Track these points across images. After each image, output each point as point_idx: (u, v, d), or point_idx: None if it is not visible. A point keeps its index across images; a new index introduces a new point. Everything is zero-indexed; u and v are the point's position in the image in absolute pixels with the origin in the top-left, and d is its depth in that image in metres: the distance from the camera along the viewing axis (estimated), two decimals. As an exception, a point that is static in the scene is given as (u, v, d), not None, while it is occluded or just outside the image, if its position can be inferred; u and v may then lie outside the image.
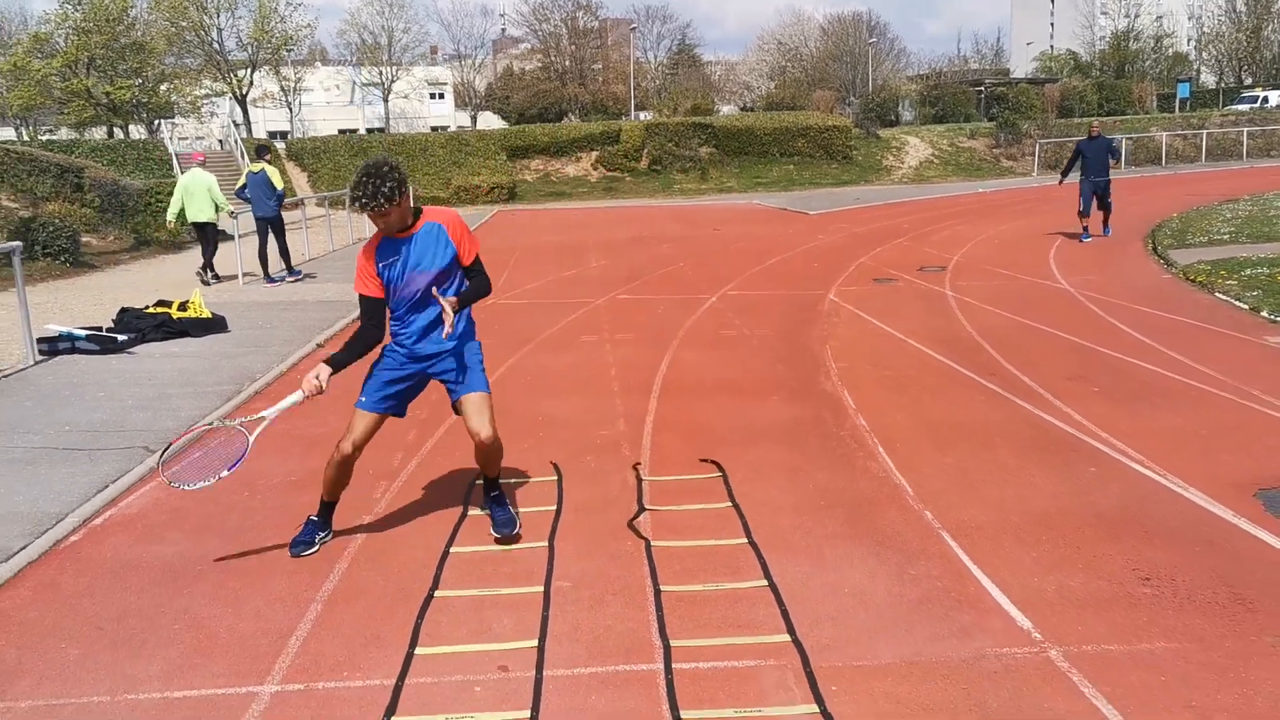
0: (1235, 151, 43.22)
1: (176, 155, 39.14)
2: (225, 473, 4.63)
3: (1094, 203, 17.03)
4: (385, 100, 68.88)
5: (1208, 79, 78.37)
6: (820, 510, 5.21)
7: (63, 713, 3.49)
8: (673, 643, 3.84)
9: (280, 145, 44.42)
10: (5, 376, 8.73)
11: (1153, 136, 43.16)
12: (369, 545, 4.93)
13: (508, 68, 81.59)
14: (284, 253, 15.57)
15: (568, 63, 74.59)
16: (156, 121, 51.92)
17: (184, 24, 53.98)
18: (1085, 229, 17.14)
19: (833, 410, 7.17)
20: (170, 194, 22.68)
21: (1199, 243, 15.21)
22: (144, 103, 48.52)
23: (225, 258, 16.16)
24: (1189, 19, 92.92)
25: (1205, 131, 43.98)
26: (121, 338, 9.82)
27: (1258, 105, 53.21)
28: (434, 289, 4.56)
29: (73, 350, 9.61)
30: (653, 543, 4.82)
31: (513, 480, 5.83)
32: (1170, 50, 79.29)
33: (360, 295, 4.65)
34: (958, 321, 10.38)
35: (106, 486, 5.80)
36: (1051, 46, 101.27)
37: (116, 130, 48.85)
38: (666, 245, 19.65)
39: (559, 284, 14.71)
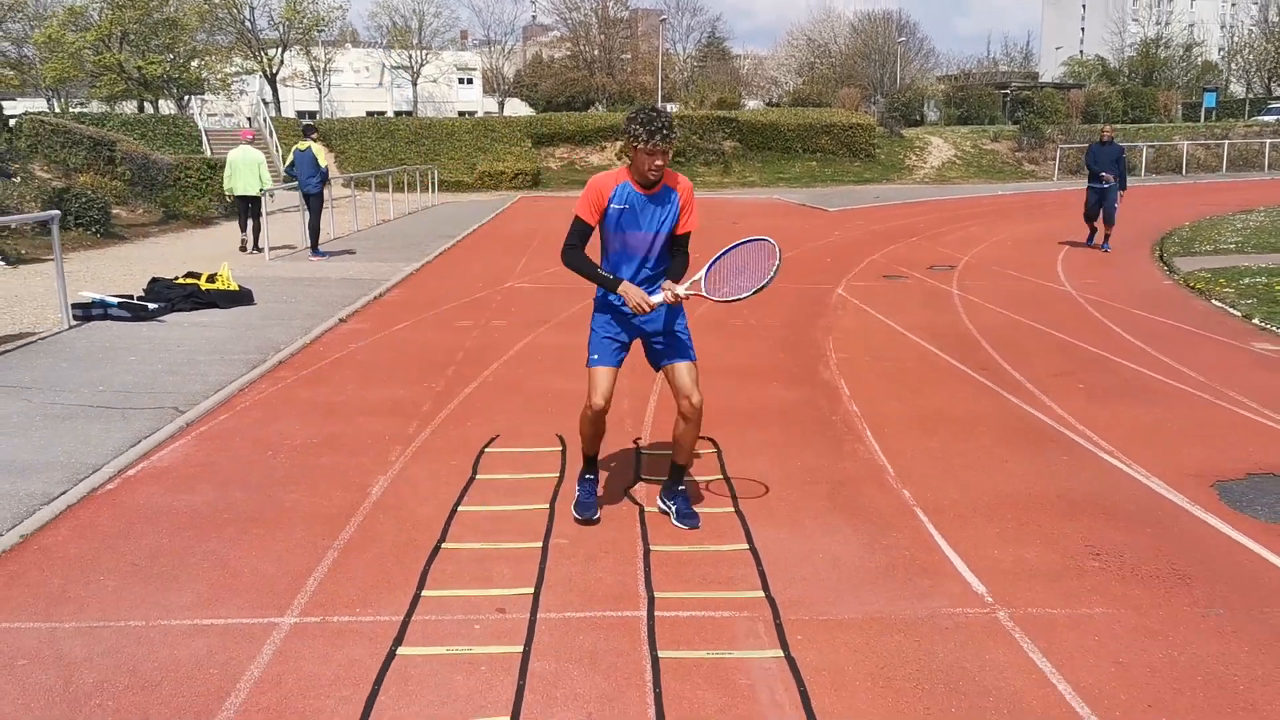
0: (1258, 163, 43.17)
1: (206, 132, 39.70)
2: (762, 283, 4.69)
3: (1099, 211, 16.64)
4: (414, 84, 69.31)
5: (1237, 89, 78.02)
6: (805, 486, 5.57)
7: (103, 634, 3.89)
8: (657, 594, 4.21)
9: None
10: (43, 339, 9.16)
11: (1175, 145, 43.14)
12: (383, 501, 5.31)
13: (536, 55, 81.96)
14: (314, 231, 16.13)
15: (596, 52, 74.92)
16: (186, 97, 52.51)
17: (216, 1, 54.53)
18: (1092, 231, 17.03)
19: (828, 397, 7.52)
20: (198, 170, 23.33)
21: (1205, 251, 15.47)
22: (175, 78, 49.07)
23: (277, 229, 16.58)
24: (1220, 28, 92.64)
25: (1228, 142, 43.90)
26: (152, 306, 10.26)
27: (1284, 117, 53.08)
28: (674, 292, 4.63)
29: (105, 317, 10.05)
30: (646, 508, 5.19)
31: (521, 449, 6.22)
32: (1200, 59, 78.98)
33: (579, 218, 4.70)
34: (960, 319, 10.70)
35: (139, 441, 6.20)
36: (1081, 51, 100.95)
37: (147, 105, 49.42)
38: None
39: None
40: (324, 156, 16.35)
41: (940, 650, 3.75)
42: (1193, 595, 4.18)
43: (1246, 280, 12.30)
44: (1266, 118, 53.77)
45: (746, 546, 4.73)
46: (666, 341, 4.88)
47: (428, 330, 10.12)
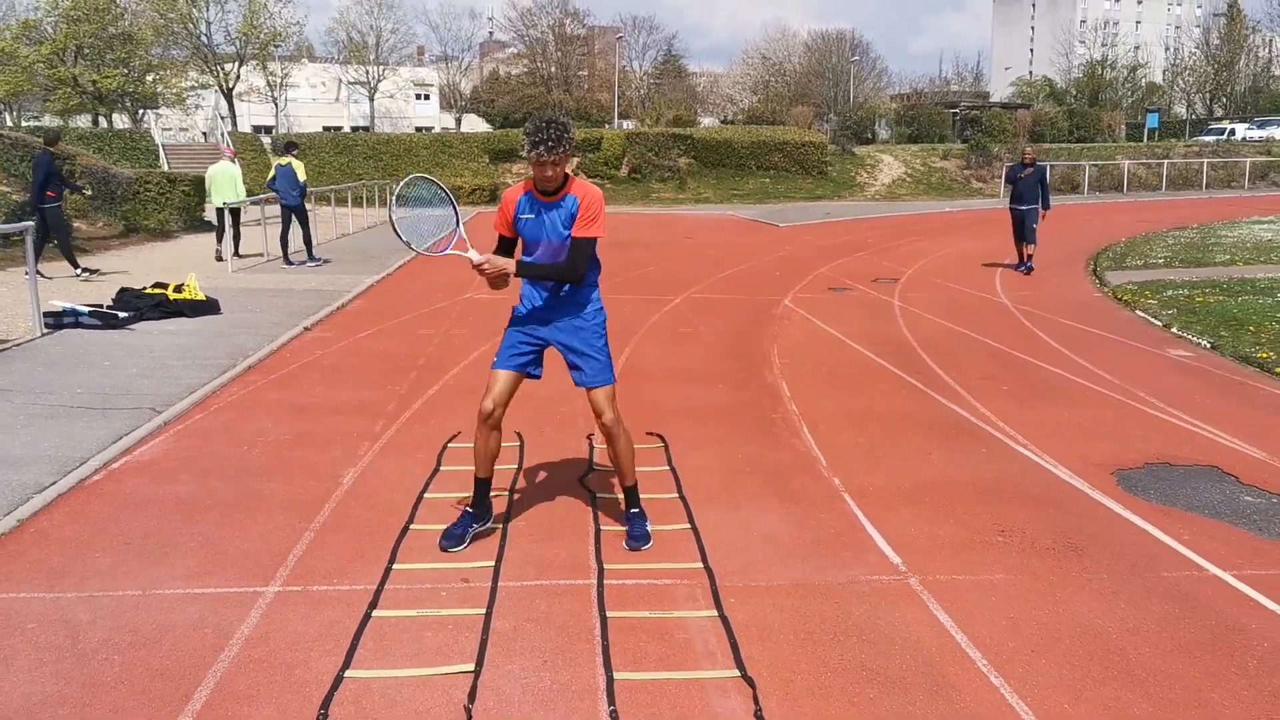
0: (1196, 181, 44.50)
1: (163, 146, 39.73)
2: (428, 246, 4.88)
3: (1023, 230, 16.22)
4: (371, 99, 69.53)
5: (1180, 110, 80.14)
6: (744, 474, 6.07)
7: (103, 602, 4.29)
8: (606, 565, 4.68)
9: (265, 140, 45.03)
10: (17, 345, 9.47)
11: (1117, 164, 44.39)
12: (354, 489, 5.73)
13: (493, 71, 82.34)
14: (307, 240, 17.08)
15: (553, 69, 75.51)
16: (141, 111, 52.39)
17: (172, 16, 54.49)
18: (1020, 258, 16.53)
19: (770, 398, 8.03)
20: (158, 184, 23.53)
21: (1135, 265, 16.22)
22: (129, 93, 48.97)
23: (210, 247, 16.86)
24: (1164, 50, 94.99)
25: (1168, 161, 45.24)
26: (122, 315, 10.58)
27: (1224, 138, 54.68)
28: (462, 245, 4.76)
29: (76, 325, 10.35)
30: (598, 495, 5.66)
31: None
32: (1144, 80, 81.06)
33: (499, 234, 4.82)
34: (898, 328, 11.28)
35: (121, 438, 6.57)
36: (1031, 72, 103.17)
37: (101, 120, 49.26)
38: (639, 250, 20.50)
39: (533, 282, 15.49)
40: (302, 171, 17.13)
41: (856, 610, 4.25)
42: (1082, 563, 4.72)
43: (1170, 292, 13.01)
44: (1206, 138, 55.41)
45: (689, 526, 5.21)
46: (580, 362, 4.89)
47: (390, 338, 10.53)
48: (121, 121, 50.61)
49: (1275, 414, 7.47)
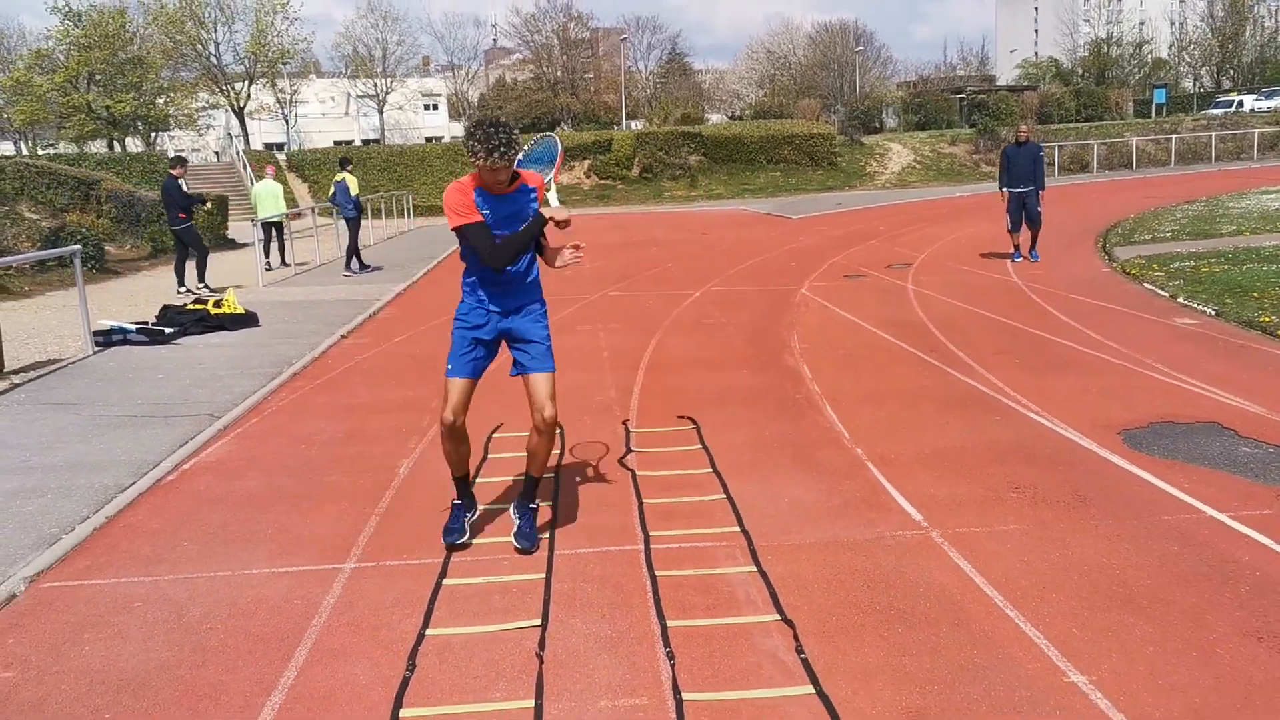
0: (1205, 155, 44.63)
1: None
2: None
3: (1022, 217, 15.40)
4: (380, 112, 70.12)
5: (1187, 84, 79.97)
6: (772, 450, 6.47)
7: (197, 582, 4.73)
8: (651, 533, 5.09)
9: (281, 157, 45.66)
10: (72, 363, 9.95)
11: (1126, 141, 44.54)
12: (410, 479, 6.17)
13: (500, 78, 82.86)
14: (352, 250, 17.99)
15: (560, 73, 75.93)
16: (154, 134, 53.11)
17: (181, 38, 55.18)
18: (1016, 248, 15.74)
19: (792, 380, 8.43)
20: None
21: (1143, 240, 16.53)
22: (142, 116, 49.66)
23: (246, 262, 17.36)
24: (1170, 25, 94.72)
25: (1176, 136, 45.36)
26: (168, 330, 11.06)
27: (1232, 110, 54.69)
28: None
29: (124, 342, 10.84)
30: (637, 472, 6.08)
31: (522, 433, 7.05)
32: (1150, 56, 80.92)
33: (467, 225, 4.67)
34: (912, 310, 11.65)
35: (186, 443, 7.03)
36: (1036, 53, 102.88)
37: (115, 144, 49.97)
38: (655, 248, 20.93)
39: (554, 283, 15.93)
40: (355, 186, 18.44)
41: (883, 560, 4.65)
42: (1089, 512, 5.11)
43: (1176, 264, 13.34)
44: (1214, 111, 55.42)
45: (723, 496, 5.62)
46: (527, 349, 4.91)
47: (424, 342, 10.97)
48: (135, 145, 51.31)
49: (1276, 374, 7.82)
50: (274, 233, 19.49)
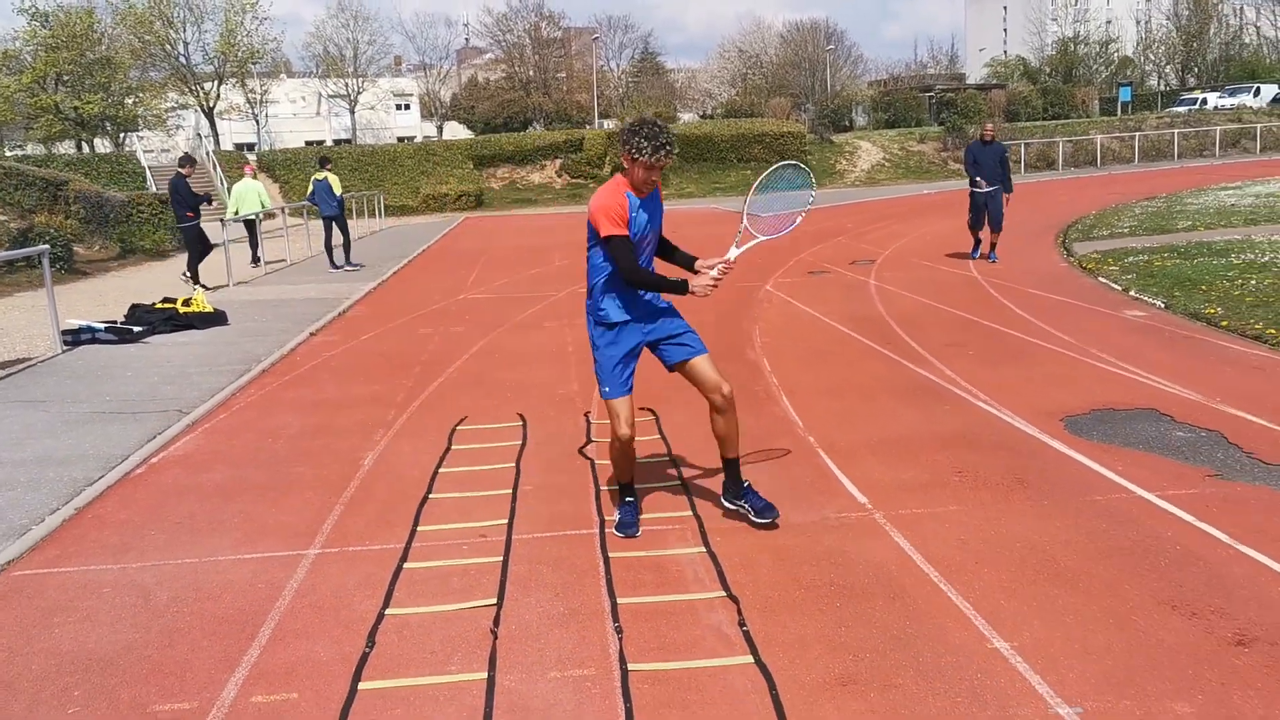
0: (1169, 152, 45.26)
1: (150, 169, 40.20)
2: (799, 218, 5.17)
3: (984, 217, 15.02)
4: (352, 112, 69.93)
5: (1154, 83, 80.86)
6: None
7: (165, 569, 4.87)
8: (606, 517, 5.28)
9: (251, 157, 45.51)
10: (41, 362, 10.04)
11: (1091, 139, 45.10)
12: (375, 470, 6.32)
13: (472, 78, 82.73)
14: (346, 246, 18.69)
15: (531, 72, 75.93)
16: (123, 135, 52.81)
17: (149, 38, 54.85)
18: (977, 242, 15.48)
19: (751, 372, 8.63)
20: (150, 205, 24.12)
21: (1102, 235, 16.87)
22: (110, 116, 49.38)
23: (216, 263, 17.42)
24: (1136, 23, 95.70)
25: (1139, 134, 45.98)
26: (137, 329, 11.14)
27: (1196, 107, 55.48)
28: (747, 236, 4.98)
29: (93, 340, 10.93)
30: (595, 461, 6.26)
31: (487, 425, 7.25)
32: (1116, 55, 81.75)
33: (617, 237, 4.67)
34: (873, 305, 11.89)
35: (154, 437, 7.16)
36: (1005, 52, 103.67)
37: (84, 144, 49.67)
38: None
39: (525, 280, 16.12)
40: (338, 185, 19.05)
41: (826, 540, 4.85)
42: (1026, 493, 5.33)
43: (1130, 259, 13.64)
44: (1179, 109, 56.21)
45: (678, 482, 5.81)
46: (676, 340, 4.97)
47: (392, 339, 11.11)
48: (103, 146, 50.99)
49: (1215, 362, 8.09)
50: (251, 228, 20.14)
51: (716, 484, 5.71)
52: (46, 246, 11.16)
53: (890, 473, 5.80)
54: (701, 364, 4.92)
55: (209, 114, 58.06)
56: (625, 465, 5.10)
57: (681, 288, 4.74)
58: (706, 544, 4.88)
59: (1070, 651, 3.67)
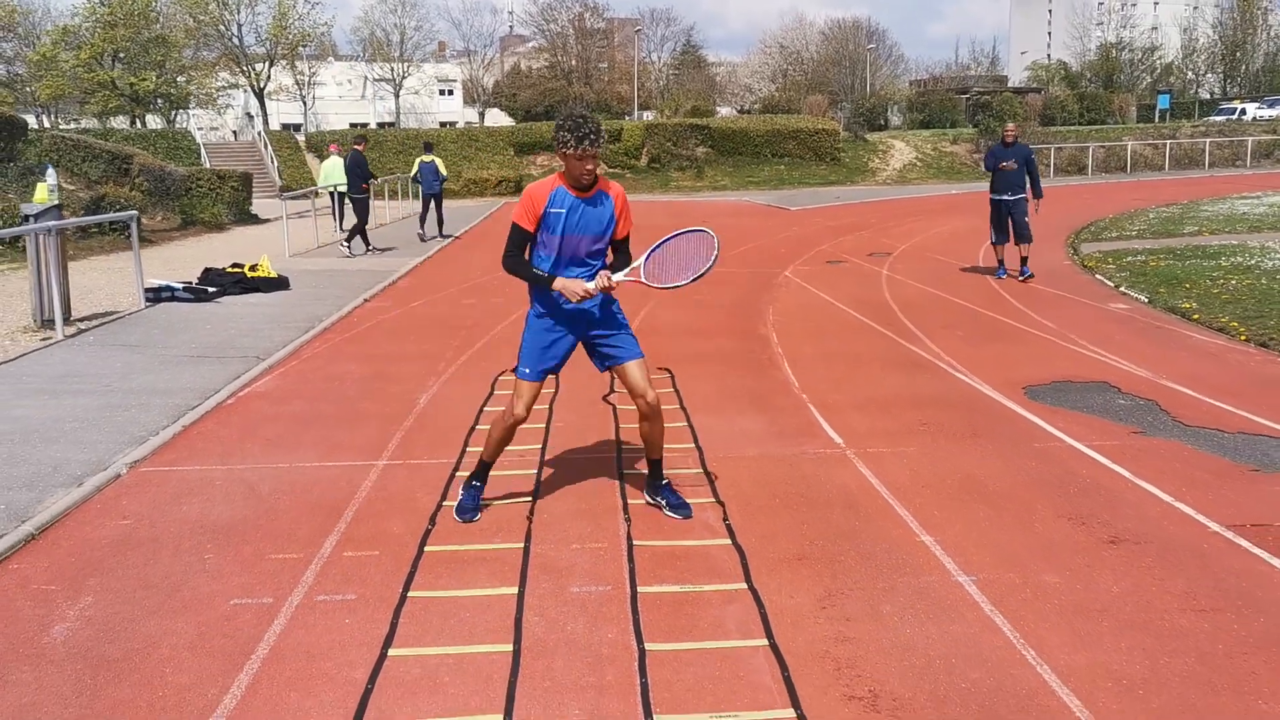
0: (1200, 161, 45.68)
1: (204, 146, 41.66)
2: (701, 270, 5.04)
3: (1008, 229, 13.66)
4: (396, 96, 71.33)
5: (1202, 91, 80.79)
6: (734, 395, 7.72)
7: (263, 470, 5.99)
8: (623, 445, 6.35)
9: (299, 138, 46.92)
10: (129, 315, 11.23)
11: (1123, 145, 45.62)
12: (428, 408, 7.43)
13: (515, 65, 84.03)
14: (440, 221, 21.74)
15: (574, 62, 77.13)
16: (174, 112, 54.38)
17: (204, 18, 56.38)
18: (1000, 263, 14.05)
19: (760, 344, 9.67)
20: (209, 180, 25.42)
21: (1110, 237, 17.73)
22: (164, 94, 50.90)
23: (270, 236, 18.62)
24: (1181, 31, 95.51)
25: (1173, 141, 46.43)
26: (211, 290, 12.33)
27: (1234, 117, 55.71)
28: (608, 273, 4.85)
29: (172, 299, 12.12)
30: (618, 406, 7.33)
31: (524, 377, 8.32)
32: (1159, 62, 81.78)
33: (517, 225, 4.82)
34: (881, 292, 12.88)
35: (239, 376, 8.30)
36: (1048, 55, 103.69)
37: (137, 120, 51.22)
38: (656, 233, 22.00)
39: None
40: (443, 166, 21.73)
41: (803, 467, 5.90)
42: (977, 441, 6.35)
43: (1129, 259, 14.54)
44: (1216, 118, 56.46)
45: (686, 424, 6.87)
46: (611, 341, 5.06)
47: (440, 306, 12.23)
48: (155, 122, 52.55)
49: (1175, 349, 9.04)
50: (341, 201, 22.03)
51: (721, 428, 6.79)
52: (135, 212, 12.38)
53: (866, 423, 6.83)
54: (631, 369, 5.01)
55: (259, 94, 59.57)
56: (499, 445, 5.16)
57: (545, 282, 4.81)
58: (704, 466, 5.94)
59: (979, 545, 4.71)
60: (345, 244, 18.27)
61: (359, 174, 19.00)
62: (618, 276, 4.87)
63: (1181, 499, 5.22)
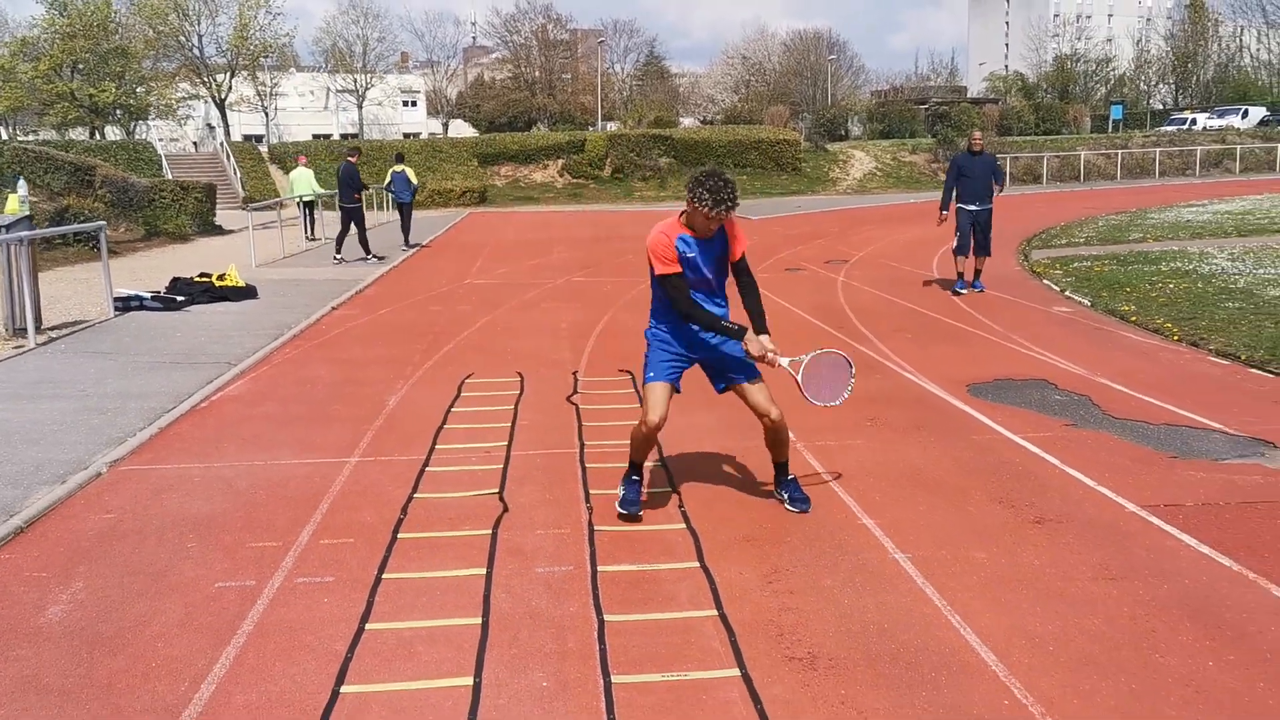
0: (1151, 170, 46.71)
1: (166, 157, 41.57)
2: (844, 397, 5.52)
3: (972, 240, 13.32)
4: (359, 107, 71.31)
5: (1147, 102, 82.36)
6: (688, 395, 8.02)
7: (239, 467, 6.25)
8: (585, 441, 6.67)
9: (262, 149, 46.91)
10: (99, 324, 11.43)
11: (1077, 154, 46.56)
12: (397, 410, 7.71)
13: (478, 76, 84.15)
14: (405, 229, 21.54)
15: (537, 73, 77.37)
16: (134, 123, 54.14)
17: (164, 29, 56.11)
18: (960, 276, 13.51)
19: (718, 347, 10.01)
20: (172, 191, 25.50)
21: (1059, 244, 18.28)
22: (123, 105, 50.68)
23: (235, 246, 18.79)
24: (1134, 43, 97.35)
25: (1125, 151, 47.45)
26: (179, 299, 12.53)
27: (1185, 127, 56.94)
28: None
29: (141, 307, 12.31)
30: (581, 406, 7.65)
31: (490, 379, 8.64)
32: (1113, 73, 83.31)
33: (671, 275, 5.06)
34: (836, 298, 13.29)
35: (211, 381, 8.54)
36: (1006, 67, 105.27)
37: (96, 132, 50.95)
38: (621, 242, 22.50)
39: (525, 270, 17.52)
40: (414, 176, 21.85)
41: (755, 461, 6.23)
42: (920, 434, 6.73)
43: (1075, 264, 15.06)
44: (1168, 128, 57.67)
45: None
46: (728, 363, 5.36)
47: (406, 313, 12.50)
48: (114, 133, 52.28)
49: (1111, 348, 9.48)
50: (309, 211, 22.85)
51: (682, 424, 7.10)
52: (104, 223, 12.55)
53: (815, 419, 7.17)
54: (752, 391, 5.38)
55: (220, 105, 59.37)
56: (643, 448, 5.39)
57: (737, 333, 5.08)
58: (661, 457, 6.27)
59: (915, 526, 5.07)
60: (336, 254, 18.63)
61: (351, 184, 19.25)
62: (781, 361, 5.30)
63: (1104, 483, 5.61)
